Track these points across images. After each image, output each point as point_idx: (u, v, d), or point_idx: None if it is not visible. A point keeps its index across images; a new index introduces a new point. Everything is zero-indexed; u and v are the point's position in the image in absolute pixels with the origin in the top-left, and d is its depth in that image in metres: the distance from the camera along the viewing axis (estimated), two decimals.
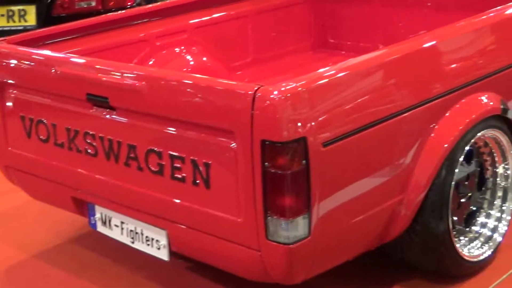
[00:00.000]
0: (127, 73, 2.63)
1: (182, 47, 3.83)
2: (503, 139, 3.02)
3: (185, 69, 3.78)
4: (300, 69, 4.02)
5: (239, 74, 4.06)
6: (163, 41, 3.73)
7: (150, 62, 3.72)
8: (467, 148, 2.84)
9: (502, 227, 3.08)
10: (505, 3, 3.25)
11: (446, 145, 2.74)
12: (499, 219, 3.09)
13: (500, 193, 3.10)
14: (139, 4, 4.82)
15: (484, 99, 2.92)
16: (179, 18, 3.84)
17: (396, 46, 2.79)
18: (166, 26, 3.77)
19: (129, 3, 4.77)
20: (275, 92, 2.24)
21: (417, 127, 2.70)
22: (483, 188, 3.09)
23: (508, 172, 3.09)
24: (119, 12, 3.90)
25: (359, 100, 2.49)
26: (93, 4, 4.69)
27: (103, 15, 3.82)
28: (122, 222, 2.85)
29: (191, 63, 3.82)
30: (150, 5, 4.08)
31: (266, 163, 2.26)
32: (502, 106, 2.96)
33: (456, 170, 2.80)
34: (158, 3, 4.03)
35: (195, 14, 3.91)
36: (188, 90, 2.47)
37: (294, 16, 4.35)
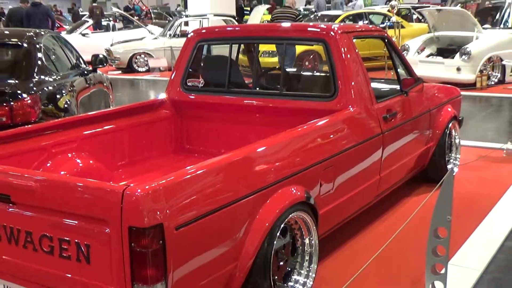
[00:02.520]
0: (23, 177, 2.55)
1: (73, 153, 3.73)
2: (308, 218, 3.12)
3: (75, 170, 3.66)
4: (164, 168, 4.04)
5: (118, 173, 3.98)
6: (58, 148, 3.62)
7: (48, 165, 3.59)
8: (282, 225, 2.92)
9: (309, 282, 3.14)
10: (308, 121, 3.44)
11: (267, 224, 2.80)
12: (307, 276, 3.14)
13: (307, 257, 3.17)
14: (40, 119, 4.68)
15: (293, 190, 3.02)
16: (71, 131, 3.75)
17: (234, 152, 2.86)
18: (60, 137, 3.67)
19: (33, 118, 4.63)
20: (139, 190, 2.25)
21: (248, 211, 2.75)
22: (295, 254, 3.15)
23: (313, 242, 3.18)
24: (24, 126, 3.76)
25: (204, 193, 2.52)
26: (4, 119, 4.52)
27: (12, 129, 3.67)
28: None
29: (80, 165, 3.71)
30: (48, 121, 3.99)
31: (132, 244, 2.24)
32: (306, 195, 3.07)
33: (275, 242, 2.86)
34: (55, 120, 3.95)
35: (84, 128, 3.84)
36: (72, 189, 2.41)
37: (160, 129, 4.37)
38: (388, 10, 12.80)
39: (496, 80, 10.37)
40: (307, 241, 3.17)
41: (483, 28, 10.56)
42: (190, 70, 4.39)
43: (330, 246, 3.75)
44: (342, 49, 3.80)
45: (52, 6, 23.08)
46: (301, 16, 10.03)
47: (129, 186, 2.26)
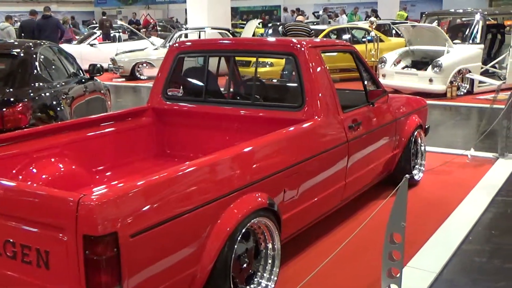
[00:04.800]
0: None
1: (56, 158, 3.57)
2: (270, 224, 2.96)
3: (57, 174, 3.50)
4: (144, 172, 3.82)
5: (100, 177, 3.81)
6: (39, 154, 3.45)
7: (30, 169, 3.43)
8: (244, 230, 2.76)
9: (271, 285, 2.98)
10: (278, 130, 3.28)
11: (228, 229, 2.65)
12: (269, 279, 2.99)
13: (270, 261, 3.02)
14: (32, 125, 4.50)
15: (256, 196, 2.86)
16: (53, 137, 3.58)
17: (196, 160, 2.68)
18: (42, 143, 3.50)
19: (23, 124, 4.46)
20: (94, 199, 2.09)
21: (209, 216, 2.59)
22: (258, 257, 3.00)
23: (275, 246, 3.03)
24: (6, 133, 3.56)
25: (163, 201, 2.35)
26: None
27: None
28: None
29: (62, 170, 3.55)
30: (30, 128, 3.83)
31: (87, 252, 2.09)
32: (268, 201, 2.90)
33: (236, 247, 2.70)
34: (39, 127, 3.79)
35: (66, 134, 3.67)
36: (31, 196, 2.26)
37: (142, 135, 4.21)
38: (369, 26, 12.66)
39: (465, 91, 10.23)
40: (270, 245, 3.01)
41: (454, 43, 10.42)
42: (170, 80, 4.24)
43: (296, 248, 3.60)
44: (310, 62, 3.64)
45: (70, 18, 22.77)
46: (313, 32, 9.52)
47: (85, 195, 2.11)
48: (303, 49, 3.68)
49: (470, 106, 9.50)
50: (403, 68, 10.61)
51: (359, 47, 11.89)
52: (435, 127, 7.61)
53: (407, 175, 2.88)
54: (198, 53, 4.35)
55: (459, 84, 10.17)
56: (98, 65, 6.45)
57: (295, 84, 3.80)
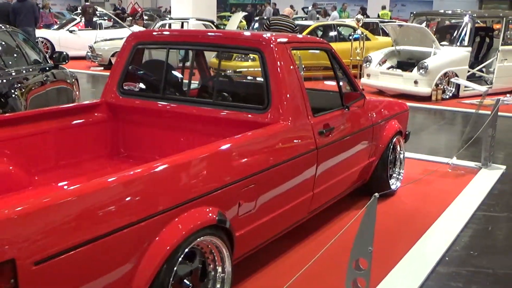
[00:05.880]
0: None
1: None
2: (219, 243, 2.59)
3: None
4: (94, 173, 3.48)
5: (41, 178, 3.40)
6: None
7: None
8: (187, 250, 2.39)
9: None
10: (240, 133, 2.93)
11: (168, 248, 2.27)
12: None
13: (219, 285, 2.66)
14: None
15: (204, 211, 2.48)
16: None
17: (130, 170, 2.25)
18: None
19: None
20: None
21: (143, 236, 2.21)
22: (206, 280, 2.63)
23: (225, 267, 2.67)
24: None
25: (80, 220, 1.96)
26: None
27: None
28: None
29: None
30: None
31: None
32: (218, 217, 2.53)
33: (175, 269, 2.33)
34: None
35: (4, 129, 3.27)
36: None
37: (93, 132, 3.80)
38: (355, 23, 12.30)
39: (450, 94, 9.94)
40: (219, 267, 2.65)
41: (441, 45, 10.11)
42: (127, 73, 3.84)
43: (250, 268, 3.22)
44: (278, 59, 3.28)
45: (48, 2, 22.05)
46: (297, 28, 9.07)
47: None
48: (271, 45, 3.31)
49: (455, 110, 9.20)
50: (389, 68, 10.29)
51: (345, 45, 11.58)
52: (418, 131, 7.30)
53: (376, 194, 2.52)
54: (157, 45, 3.95)
55: (445, 87, 9.87)
56: (64, 53, 6.02)
57: (262, 84, 3.42)
